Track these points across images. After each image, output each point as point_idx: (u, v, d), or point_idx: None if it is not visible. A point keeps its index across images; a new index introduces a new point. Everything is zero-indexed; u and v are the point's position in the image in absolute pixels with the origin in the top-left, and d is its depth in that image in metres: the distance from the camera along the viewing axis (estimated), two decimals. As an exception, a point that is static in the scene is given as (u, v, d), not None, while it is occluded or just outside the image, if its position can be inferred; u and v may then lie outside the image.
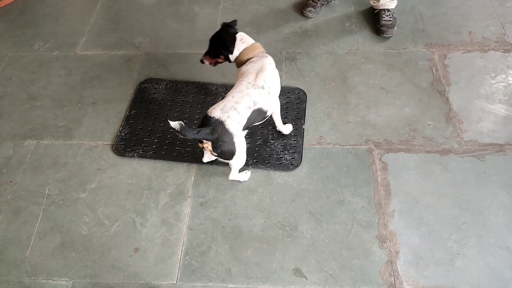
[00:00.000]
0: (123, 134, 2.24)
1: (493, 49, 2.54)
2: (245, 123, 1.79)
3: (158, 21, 2.88)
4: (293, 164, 2.07)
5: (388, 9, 2.65)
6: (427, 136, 2.14)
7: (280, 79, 1.98)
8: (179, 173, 2.07)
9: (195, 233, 1.87)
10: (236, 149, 1.79)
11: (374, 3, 2.69)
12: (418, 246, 1.79)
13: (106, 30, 2.84)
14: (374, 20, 2.71)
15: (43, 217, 1.96)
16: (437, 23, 2.71)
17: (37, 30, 2.87)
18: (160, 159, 2.13)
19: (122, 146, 2.19)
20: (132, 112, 2.34)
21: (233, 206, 1.95)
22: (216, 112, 1.75)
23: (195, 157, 2.12)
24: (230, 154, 1.80)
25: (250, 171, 2.03)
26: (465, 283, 1.69)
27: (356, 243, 1.81)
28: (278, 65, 2.51)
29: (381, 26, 2.62)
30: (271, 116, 2.03)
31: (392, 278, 1.71)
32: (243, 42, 1.96)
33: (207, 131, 1.71)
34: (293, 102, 2.33)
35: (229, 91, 1.85)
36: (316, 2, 2.79)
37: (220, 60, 2.03)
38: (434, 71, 2.44)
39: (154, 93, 2.43)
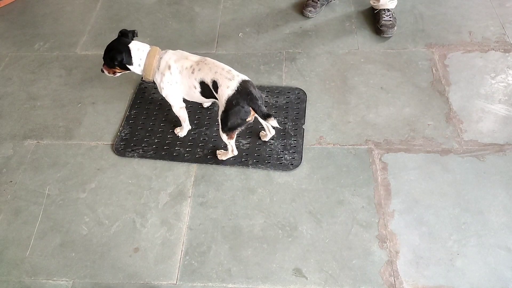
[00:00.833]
0: (123, 134, 2.24)
1: (493, 49, 2.54)
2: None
3: (158, 21, 2.88)
4: (293, 164, 2.07)
5: (388, 9, 2.65)
6: (427, 136, 2.14)
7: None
8: (179, 173, 2.07)
9: (195, 233, 1.87)
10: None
11: (374, 3, 2.69)
12: (418, 246, 1.79)
13: (106, 30, 2.84)
14: (374, 20, 2.71)
15: (43, 217, 1.96)
16: (437, 23, 2.71)
17: (37, 30, 2.87)
18: (160, 159, 2.13)
19: (122, 146, 2.19)
20: (132, 112, 2.34)
21: (233, 206, 1.95)
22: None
23: (195, 157, 2.12)
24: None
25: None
26: (465, 283, 1.69)
27: (356, 243, 1.81)
28: (278, 65, 2.53)
29: (381, 26, 2.62)
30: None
31: (392, 278, 1.71)
32: (141, 50, 1.92)
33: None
34: (293, 102, 2.33)
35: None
36: (316, 2, 2.79)
37: (117, 70, 1.98)
38: (434, 71, 2.44)
39: (154, 93, 2.42)
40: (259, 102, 1.76)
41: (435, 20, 2.74)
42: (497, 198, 1.91)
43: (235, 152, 2.05)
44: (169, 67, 1.89)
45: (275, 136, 2.17)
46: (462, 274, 1.71)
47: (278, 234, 1.85)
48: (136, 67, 1.93)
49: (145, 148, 2.17)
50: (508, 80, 2.37)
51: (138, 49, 1.91)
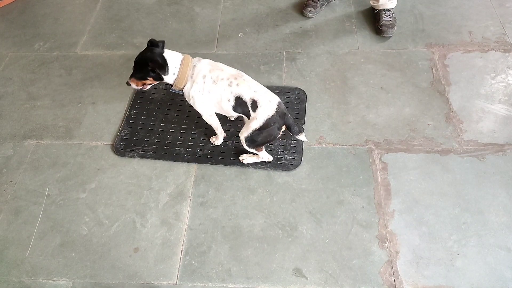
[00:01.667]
0: (123, 134, 2.24)
1: (493, 49, 2.54)
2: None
3: (158, 21, 2.88)
4: (293, 164, 2.07)
5: (388, 9, 2.65)
6: (427, 136, 2.14)
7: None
8: (179, 173, 2.07)
9: (195, 233, 1.87)
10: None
11: (374, 3, 2.69)
12: (418, 246, 1.79)
13: (106, 30, 2.84)
14: (374, 20, 2.71)
15: (43, 217, 1.96)
16: (437, 23, 2.71)
17: (37, 30, 2.87)
18: (160, 159, 2.13)
19: (122, 146, 2.19)
20: (132, 112, 2.34)
21: (233, 206, 1.95)
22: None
23: (195, 157, 2.12)
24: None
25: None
26: (465, 283, 1.69)
27: (356, 243, 1.81)
28: (278, 65, 2.53)
29: (381, 26, 2.62)
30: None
31: (392, 278, 1.71)
32: (175, 59, 1.87)
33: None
34: (293, 102, 2.33)
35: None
36: (316, 2, 2.79)
37: (148, 82, 1.93)
38: (434, 71, 2.44)
39: (154, 93, 2.42)
40: (291, 120, 1.88)
41: (435, 20, 2.74)
42: (497, 198, 1.91)
43: (270, 158, 2.05)
44: (204, 76, 1.86)
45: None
46: (462, 274, 1.71)
47: (278, 234, 1.85)
48: (171, 76, 1.88)
49: (145, 148, 2.17)
50: (508, 80, 2.37)
51: (173, 58, 1.87)
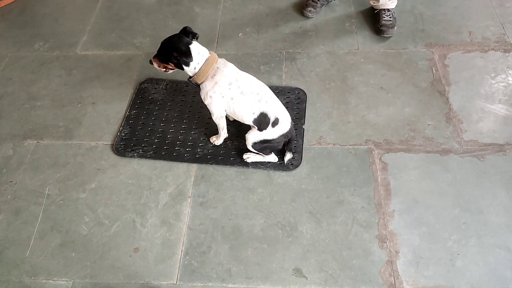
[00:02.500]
0: (123, 134, 2.24)
1: (493, 49, 2.54)
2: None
3: (158, 21, 2.88)
4: (293, 164, 2.07)
5: (388, 9, 2.65)
6: (427, 136, 2.14)
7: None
8: (179, 173, 2.07)
9: (195, 233, 1.87)
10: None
11: (374, 3, 2.69)
12: (418, 246, 1.79)
13: (106, 30, 2.84)
14: (374, 20, 2.71)
15: (43, 217, 1.96)
16: (437, 23, 2.71)
17: (37, 30, 2.87)
18: (160, 159, 2.13)
19: (122, 146, 2.19)
20: (132, 112, 2.34)
21: (233, 206, 1.95)
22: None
23: (195, 157, 2.12)
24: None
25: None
26: (465, 283, 1.69)
27: (356, 243, 1.81)
28: (278, 65, 2.53)
29: (381, 26, 2.62)
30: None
31: (392, 278, 1.71)
32: (201, 54, 1.85)
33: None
34: (293, 102, 2.33)
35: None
36: (316, 2, 2.79)
37: (169, 67, 1.92)
38: (434, 71, 2.44)
39: (154, 93, 2.43)
40: (294, 137, 2.05)
41: (435, 20, 2.73)
42: (497, 198, 1.91)
43: (276, 159, 2.08)
44: (230, 83, 1.86)
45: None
46: (462, 274, 1.71)
47: (278, 234, 1.85)
48: (191, 69, 1.86)
49: (145, 148, 2.17)
50: (508, 80, 2.37)
51: (199, 53, 1.84)
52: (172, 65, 1.89)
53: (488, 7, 2.79)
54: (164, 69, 1.95)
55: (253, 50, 2.63)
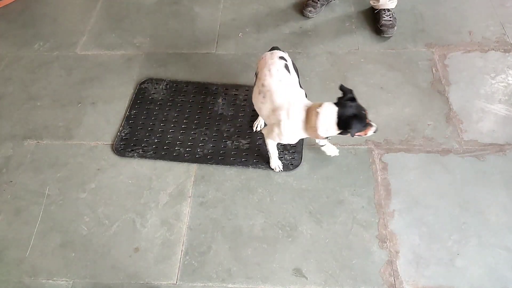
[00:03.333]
0: (123, 134, 2.24)
1: (493, 49, 2.54)
2: None
3: (158, 21, 2.88)
4: (293, 164, 2.07)
5: (388, 9, 2.65)
6: (427, 136, 2.14)
7: None
8: (179, 173, 2.07)
9: (195, 233, 1.87)
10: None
11: (374, 3, 2.69)
12: (418, 246, 1.79)
13: (106, 30, 2.84)
14: (374, 20, 2.71)
15: (43, 217, 1.96)
16: (437, 23, 2.71)
17: (37, 30, 2.87)
18: (160, 159, 2.13)
19: (122, 146, 2.19)
20: (132, 112, 2.34)
21: (233, 206, 1.95)
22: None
23: (195, 157, 2.12)
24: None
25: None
26: (465, 283, 1.69)
27: (356, 243, 1.81)
28: (278, 65, 2.52)
29: (381, 26, 2.62)
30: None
31: (392, 278, 1.71)
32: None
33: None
34: (293, 102, 2.33)
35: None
36: (316, 2, 2.79)
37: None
38: (434, 71, 2.44)
39: (154, 93, 2.43)
40: None
41: (435, 20, 2.73)
42: (497, 198, 1.91)
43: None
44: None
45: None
46: (462, 274, 1.71)
47: (278, 234, 1.85)
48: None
49: (145, 148, 2.17)
50: (508, 80, 2.37)
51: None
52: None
53: (488, 7, 2.79)
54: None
55: (253, 50, 2.63)
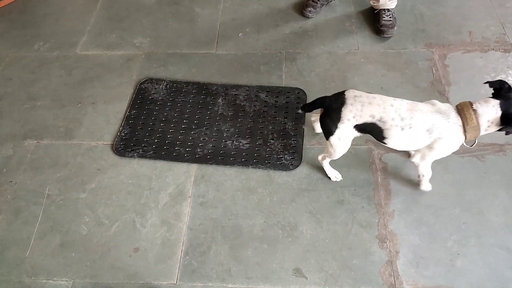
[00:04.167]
0: (123, 134, 2.24)
1: (493, 49, 2.54)
2: (360, 124, 1.67)
3: (158, 21, 2.88)
4: (293, 164, 2.07)
5: (388, 9, 2.65)
6: (427, 136, 2.14)
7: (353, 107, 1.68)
8: (179, 173, 2.07)
9: (195, 233, 1.87)
10: (332, 136, 1.72)
11: (374, 3, 2.69)
12: (418, 246, 1.79)
13: (106, 30, 2.84)
14: (374, 20, 2.71)
15: (43, 217, 1.96)
16: (437, 23, 2.71)
17: (37, 30, 2.87)
18: (160, 159, 2.13)
19: (122, 146, 2.19)
20: (132, 112, 2.34)
21: (233, 206, 1.95)
22: (352, 93, 1.69)
23: (195, 157, 2.12)
24: (326, 134, 1.75)
25: (339, 177, 2.00)
26: (465, 283, 1.69)
27: (356, 243, 1.81)
28: (278, 65, 2.53)
29: (381, 26, 2.62)
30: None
31: (392, 278, 1.71)
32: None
33: (326, 98, 1.71)
34: (293, 102, 2.33)
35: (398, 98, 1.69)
36: (316, 2, 2.79)
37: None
38: (434, 71, 2.44)
39: (154, 93, 2.43)
40: None
41: (435, 20, 2.73)
42: (497, 198, 1.91)
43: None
44: None
45: (275, 136, 2.17)
46: (462, 274, 1.71)
47: (278, 234, 1.85)
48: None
49: (145, 148, 2.17)
50: (508, 80, 2.37)
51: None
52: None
53: (488, 7, 2.79)
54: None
55: (253, 50, 2.63)
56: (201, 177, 2.05)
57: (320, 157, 1.96)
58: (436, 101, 1.69)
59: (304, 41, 2.66)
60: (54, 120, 2.34)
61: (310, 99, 2.34)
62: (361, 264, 1.75)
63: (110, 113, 2.35)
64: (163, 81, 2.48)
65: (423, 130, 1.64)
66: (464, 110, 1.61)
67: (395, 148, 1.77)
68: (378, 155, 2.08)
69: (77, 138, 2.25)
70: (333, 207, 1.92)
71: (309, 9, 2.78)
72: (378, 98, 1.66)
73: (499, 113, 1.58)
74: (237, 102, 2.35)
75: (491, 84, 1.62)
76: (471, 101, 1.62)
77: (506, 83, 1.61)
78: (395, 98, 1.68)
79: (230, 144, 2.16)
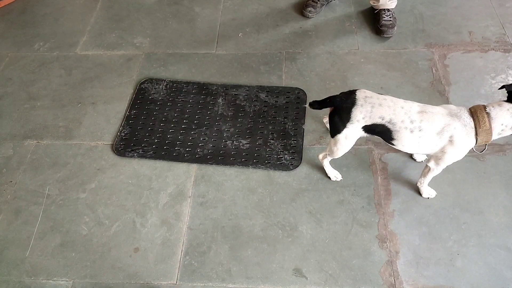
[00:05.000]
0: (123, 134, 2.24)
1: (493, 49, 2.54)
2: (368, 125, 1.66)
3: (158, 21, 2.88)
4: (293, 164, 2.07)
5: (388, 9, 2.65)
6: (427, 136, 2.14)
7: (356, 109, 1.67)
8: (179, 173, 2.07)
9: (195, 233, 1.87)
10: (339, 134, 1.72)
11: (374, 3, 2.69)
12: (418, 246, 1.79)
13: (106, 30, 2.84)
14: (374, 20, 2.71)
15: (43, 217, 1.96)
16: (437, 23, 2.71)
17: (37, 30, 2.87)
18: (160, 159, 2.13)
19: (122, 146, 2.19)
20: (132, 112, 2.34)
21: (233, 206, 1.95)
22: (362, 93, 1.67)
23: (195, 157, 2.12)
24: (333, 131, 1.76)
25: (339, 177, 2.01)
26: (465, 283, 1.69)
27: (356, 243, 1.81)
28: (278, 65, 2.53)
29: (381, 26, 2.62)
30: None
31: (392, 278, 1.71)
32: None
33: (337, 97, 1.71)
34: (293, 102, 2.33)
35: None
36: (316, 2, 2.79)
37: None
38: (434, 71, 2.44)
39: (154, 93, 2.43)
40: None
41: (435, 20, 2.73)
42: (497, 198, 1.92)
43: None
44: None
45: (275, 136, 2.17)
46: (462, 274, 1.71)
47: (278, 234, 1.85)
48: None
49: (145, 148, 2.17)
50: (508, 80, 2.37)
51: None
52: None
53: (488, 7, 2.79)
54: None
55: (253, 50, 2.63)
56: (201, 177, 2.05)
57: (320, 156, 1.97)
58: (449, 105, 1.67)
59: (304, 41, 2.66)
60: (54, 120, 2.34)
61: (310, 99, 2.33)
62: (361, 264, 1.75)
63: (110, 113, 2.35)
64: (163, 81, 2.48)
65: (433, 133, 1.62)
66: (477, 113, 1.59)
67: (404, 151, 1.76)
68: (378, 155, 2.08)
69: (77, 138, 2.25)
70: (333, 207, 1.92)
71: (309, 9, 2.78)
72: (389, 100, 1.66)
73: None
74: (237, 102, 2.35)
75: (508, 87, 1.59)
76: (485, 104, 1.60)
77: None
78: (406, 100, 1.67)
79: (230, 144, 2.16)
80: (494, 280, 1.69)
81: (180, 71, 2.54)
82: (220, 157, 2.12)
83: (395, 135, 1.66)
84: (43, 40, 2.80)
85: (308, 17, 2.81)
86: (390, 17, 2.63)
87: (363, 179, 2.00)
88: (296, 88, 2.40)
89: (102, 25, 2.88)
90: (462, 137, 1.61)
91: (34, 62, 2.66)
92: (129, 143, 2.20)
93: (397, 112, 1.63)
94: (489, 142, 1.62)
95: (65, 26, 2.90)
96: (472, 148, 1.67)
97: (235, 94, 2.39)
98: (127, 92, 2.44)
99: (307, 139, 2.17)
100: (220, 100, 2.36)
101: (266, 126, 2.22)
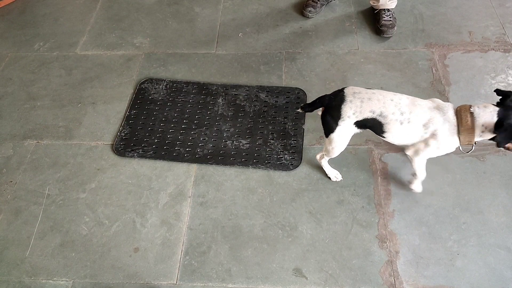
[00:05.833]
0: (123, 134, 2.24)
1: (493, 49, 2.54)
2: (360, 120, 1.67)
3: (158, 21, 2.88)
4: (293, 164, 2.07)
5: (388, 9, 2.65)
6: (427, 136, 2.14)
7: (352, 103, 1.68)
8: (179, 173, 2.07)
9: (195, 233, 1.87)
10: (332, 133, 1.73)
11: (374, 3, 2.69)
12: (418, 246, 1.79)
13: (106, 30, 2.84)
14: (374, 20, 2.71)
15: (43, 217, 1.96)
16: (437, 23, 2.71)
17: (37, 30, 2.87)
18: (160, 159, 2.13)
19: (122, 146, 2.19)
20: (132, 112, 2.34)
21: (233, 206, 1.95)
22: (351, 90, 1.69)
23: (195, 157, 2.12)
24: (327, 131, 1.76)
25: (339, 177, 2.00)
26: (465, 283, 1.69)
27: (356, 243, 1.81)
28: (278, 65, 2.53)
29: (381, 26, 2.62)
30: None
31: (392, 278, 1.71)
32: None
33: (326, 96, 1.73)
34: (293, 102, 2.33)
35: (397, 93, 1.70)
36: (316, 2, 2.79)
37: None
38: (434, 71, 2.44)
39: (154, 93, 2.43)
40: None
41: (435, 20, 2.73)
42: (497, 198, 1.91)
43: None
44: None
45: (275, 136, 2.17)
46: (462, 274, 1.71)
47: (278, 234, 1.85)
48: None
49: (145, 148, 2.17)
50: (508, 80, 2.37)
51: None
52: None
53: (488, 7, 2.79)
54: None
55: (253, 50, 2.63)
56: (201, 177, 2.05)
57: (318, 156, 1.97)
58: (437, 99, 1.70)
59: (304, 41, 2.66)
60: (54, 120, 2.34)
61: (310, 99, 2.34)
62: (361, 264, 1.75)
63: (110, 113, 2.35)
64: (163, 81, 2.48)
65: (419, 124, 1.65)
66: (461, 112, 1.61)
67: (393, 142, 1.78)
68: (378, 155, 2.08)
69: (77, 138, 2.25)
70: (333, 207, 1.92)
71: (309, 9, 2.78)
72: (378, 93, 1.68)
73: (494, 119, 1.55)
74: (237, 102, 2.35)
75: (499, 92, 1.60)
76: (471, 105, 1.61)
77: None
78: (395, 93, 1.70)
79: (230, 144, 2.16)
80: (494, 280, 1.69)
81: (180, 71, 2.54)
82: (220, 157, 2.12)
83: (385, 128, 1.68)
84: (43, 40, 2.80)
85: (308, 17, 2.81)
86: (390, 17, 2.63)
87: (363, 179, 2.00)
88: (296, 88, 2.40)
89: (102, 25, 2.88)
90: (445, 133, 1.63)
91: (34, 62, 2.66)
92: (129, 143, 2.20)
93: (387, 105, 1.65)
94: (472, 143, 1.63)
95: (65, 26, 2.90)
96: (459, 148, 1.68)
97: (235, 94, 2.39)
98: (127, 92, 2.44)
99: (307, 139, 2.17)
100: (220, 100, 2.36)
101: (266, 126, 2.22)
